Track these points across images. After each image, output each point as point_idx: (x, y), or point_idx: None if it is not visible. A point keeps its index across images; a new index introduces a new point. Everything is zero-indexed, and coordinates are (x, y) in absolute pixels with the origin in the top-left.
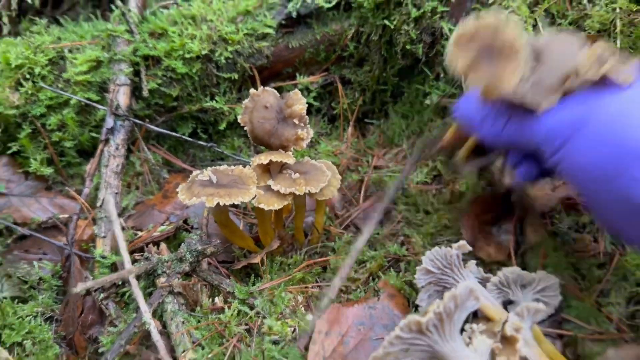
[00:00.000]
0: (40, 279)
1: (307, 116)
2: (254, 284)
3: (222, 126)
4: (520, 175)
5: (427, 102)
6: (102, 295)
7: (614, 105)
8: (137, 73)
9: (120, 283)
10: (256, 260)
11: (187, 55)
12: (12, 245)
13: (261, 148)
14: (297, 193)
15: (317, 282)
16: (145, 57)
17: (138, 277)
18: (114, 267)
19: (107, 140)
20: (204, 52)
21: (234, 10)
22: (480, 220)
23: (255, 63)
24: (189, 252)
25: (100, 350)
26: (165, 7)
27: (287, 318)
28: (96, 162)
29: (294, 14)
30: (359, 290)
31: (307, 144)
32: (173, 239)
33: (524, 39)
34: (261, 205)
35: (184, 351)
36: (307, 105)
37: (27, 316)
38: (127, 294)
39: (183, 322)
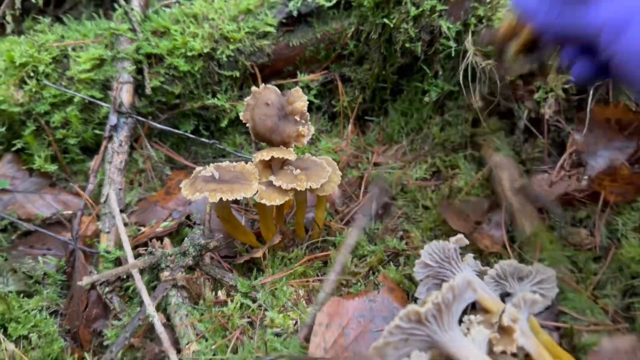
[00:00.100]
0: (45, 274)
1: (308, 113)
2: (256, 278)
3: (224, 123)
4: (575, 74)
5: (426, 99)
6: (107, 289)
7: None
8: (140, 71)
9: (124, 277)
10: (258, 254)
11: (189, 54)
12: (17, 241)
13: (262, 145)
14: (299, 189)
15: (318, 276)
16: (148, 55)
17: (142, 271)
18: (117, 262)
19: (110, 137)
20: (205, 50)
21: (236, 9)
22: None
23: (256, 61)
24: (192, 246)
25: (104, 344)
26: (168, 5)
27: (289, 311)
28: (100, 159)
29: (295, 13)
30: (359, 283)
31: (308, 141)
32: (176, 235)
33: None
34: (263, 201)
35: (187, 343)
36: (307, 102)
37: (32, 310)
38: (131, 288)
39: (187, 315)
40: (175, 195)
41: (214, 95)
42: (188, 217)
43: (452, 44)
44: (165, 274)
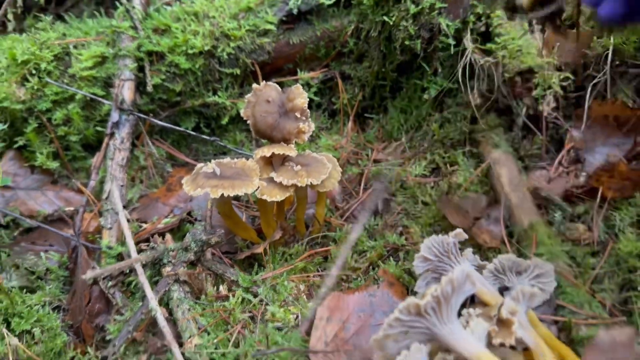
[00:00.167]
0: (47, 269)
1: (308, 110)
2: (257, 273)
3: (225, 121)
4: (603, 14)
5: (425, 96)
6: (110, 283)
7: None
8: (141, 68)
9: (127, 271)
10: (259, 250)
11: (190, 51)
12: (19, 237)
13: (263, 142)
14: (299, 185)
15: (318, 271)
16: (149, 53)
17: (144, 266)
18: (120, 258)
19: (112, 134)
20: (206, 48)
21: (236, 7)
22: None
23: (257, 59)
24: (194, 242)
25: (107, 338)
26: (169, 3)
27: (290, 305)
28: (102, 156)
29: (295, 11)
30: (359, 279)
31: (308, 138)
32: (177, 231)
33: None
34: (264, 197)
35: (190, 337)
36: (308, 99)
37: (35, 305)
38: (134, 284)
39: (189, 309)
40: (177, 192)
41: (214, 93)
42: (189, 214)
43: (451, 41)
44: (167, 269)
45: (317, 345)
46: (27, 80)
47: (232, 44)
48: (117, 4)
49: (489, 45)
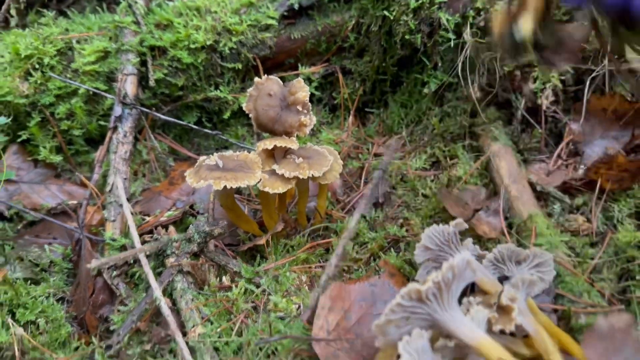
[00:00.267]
0: (51, 262)
1: (309, 103)
2: (259, 265)
3: (226, 115)
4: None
5: (426, 90)
6: (114, 273)
7: None
8: (143, 63)
9: (131, 261)
10: (261, 242)
11: (192, 46)
12: (23, 230)
13: (265, 135)
14: (301, 177)
15: (320, 262)
16: (152, 48)
17: (148, 257)
18: (123, 249)
19: (115, 128)
20: (208, 43)
21: (238, 2)
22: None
23: (258, 53)
24: (197, 233)
25: (111, 329)
26: None
27: (292, 296)
28: (105, 149)
29: (296, 6)
30: (360, 269)
31: (309, 133)
32: (180, 224)
33: None
34: (266, 189)
35: (193, 326)
36: (309, 93)
37: (39, 296)
38: (137, 275)
39: (192, 300)
40: (179, 185)
41: (216, 87)
42: (192, 207)
43: (451, 36)
44: (171, 260)
45: (320, 334)
46: (31, 75)
47: (234, 39)
48: None
49: (488, 39)
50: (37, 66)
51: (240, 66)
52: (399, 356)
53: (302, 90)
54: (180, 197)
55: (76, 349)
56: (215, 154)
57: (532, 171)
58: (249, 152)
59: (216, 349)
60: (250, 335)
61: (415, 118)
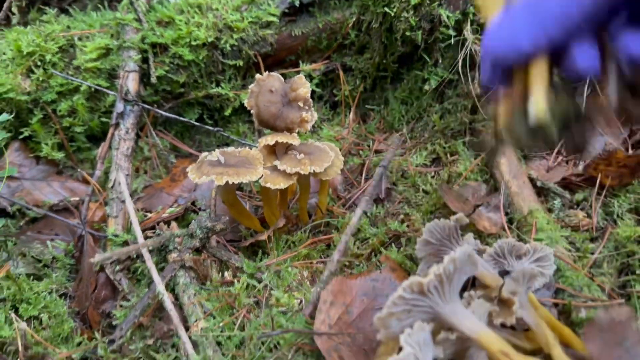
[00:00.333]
0: (54, 258)
1: (311, 100)
2: (261, 260)
3: (228, 112)
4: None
5: (426, 87)
6: (117, 268)
7: None
8: (145, 60)
9: (134, 256)
10: (263, 237)
11: (193, 43)
12: (25, 227)
13: (266, 132)
14: (302, 172)
15: (321, 258)
16: (153, 45)
17: (150, 252)
18: (125, 245)
19: (117, 125)
20: (209, 40)
21: None
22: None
23: (259, 50)
24: (199, 229)
25: (113, 324)
26: None
27: (294, 291)
28: (107, 146)
29: (297, 3)
30: (361, 265)
31: (310, 130)
32: (181, 220)
33: None
34: (268, 185)
35: (196, 320)
36: (310, 89)
37: (42, 292)
38: (139, 270)
39: (195, 294)
40: (180, 182)
41: (217, 84)
42: (193, 203)
43: (451, 32)
44: (173, 256)
45: (321, 328)
46: (33, 72)
47: (235, 36)
48: None
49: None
50: (39, 63)
51: (241, 63)
52: (400, 349)
53: (304, 87)
54: (181, 194)
55: (79, 344)
56: (217, 149)
57: (532, 167)
58: (251, 149)
59: (219, 343)
60: (252, 329)
61: (415, 115)
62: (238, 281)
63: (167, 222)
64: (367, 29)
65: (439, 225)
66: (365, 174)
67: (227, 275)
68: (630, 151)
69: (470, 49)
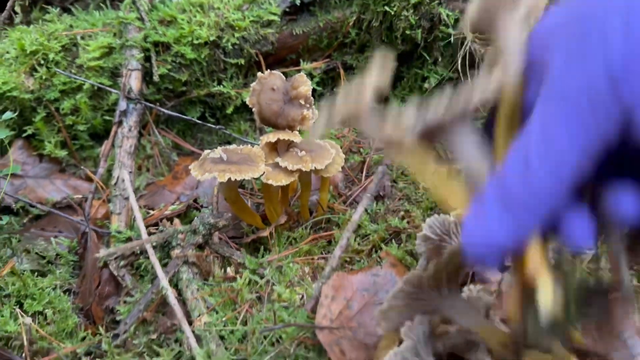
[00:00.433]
0: (57, 254)
1: (312, 97)
2: (263, 256)
3: (229, 110)
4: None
5: (426, 85)
6: (122, 263)
7: None
8: (147, 59)
9: (138, 252)
10: (265, 234)
11: (195, 42)
12: (28, 224)
13: (267, 130)
14: (304, 169)
15: (322, 254)
16: (156, 44)
17: (154, 248)
18: (129, 242)
19: (120, 123)
20: (211, 39)
21: None
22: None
23: (260, 49)
24: (202, 225)
25: (117, 319)
26: None
27: (296, 286)
28: (110, 144)
29: (298, 2)
30: (362, 261)
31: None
32: (184, 217)
33: None
34: (269, 181)
35: (199, 315)
36: (312, 87)
37: (46, 288)
38: (143, 267)
39: (197, 290)
40: (183, 179)
41: (219, 83)
42: (195, 201)
43: (451, 31)
44: (176, 252)
45: (323, 322)
46: (36, 71)
47: (236, 35)
48: None
49: (487, 34)
50: (42, 62)
51: (242, 62)
52: (400, 341)
53: (305, 85)
54: (184, 191)
55: (83, 339)
56: (219, 147)
57: None
58: (252, 146)
59: (222, 337)
60: (254, 323)
61: None
62: (240, 277)
63: (170, 219)
64: (368, 27)
65: (439, 221)
66: (366, 171)
67: (230, 271)
68: None
69: (470, 48)
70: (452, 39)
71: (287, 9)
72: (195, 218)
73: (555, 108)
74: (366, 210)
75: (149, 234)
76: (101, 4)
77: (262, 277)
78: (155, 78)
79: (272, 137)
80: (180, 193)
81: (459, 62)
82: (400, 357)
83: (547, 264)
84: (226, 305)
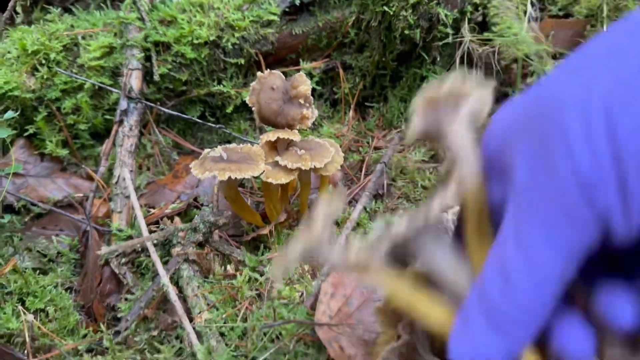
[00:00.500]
0: (59, 252)
1: (311, 97)
2: (263, 254)
3: (229, 110)
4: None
5: (425, 85)
6: (123, 261)
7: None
8: (148, 58)
9: (139, 250)
10: (265, 232)
11: (195, 41)
12: (30, 223)
13: (267, 129)
14: (303, 168)
15: None
16: (156, 43)
17: (155, 246)
18: (130, 240)
19: (121, 122)
20: (211, 39)
21: None
22: None
23: (260, 49)
24: (202, 223)
25: (118, 317)
26: None
27: (295, 284)
28: (111, 143)
29: (298, 2)
30: None
31: (311, 126)
32: (184, 216)
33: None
34: (269, 180)
35: (199, 312)
36: (311, 87)
37: (48, 286)
38: (144, 264)
39: (198, 287)
40: (183, 178)
41: (219, 82)
42: (196, 199)
43: (449, 31)
44: (177, 249)
45: (322, 319)
46: (37, 70)
47: (236, 35)
48: None
49: (486, 34)
50: (43, 61)
51: (242, 61)
52: (399, 337)
53: (304, 84)
54: (184, 190)
55: (84, 336)
56: (219, 146)
57: None
58: (252, 145)
59: (222, 334)
60: (254, 320)
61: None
62: (240, 274)
63: (171, 218)
64: (367, 27)
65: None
66: (365, 170)
67: (230, 268)
68: None
69: (468, 47)
70: (450, 38)
71: (287, 9)
72: (196, 216)
73: (527, 217)
74: (365, 208)
75: (150, 232)
76: (102, 4)
77: (261, 275)
78: (156, 77)
79: (271, 136)
80: (181, 192)
81: (457, 61)
82: (398, 352)
83: None
84: (226, 303)
